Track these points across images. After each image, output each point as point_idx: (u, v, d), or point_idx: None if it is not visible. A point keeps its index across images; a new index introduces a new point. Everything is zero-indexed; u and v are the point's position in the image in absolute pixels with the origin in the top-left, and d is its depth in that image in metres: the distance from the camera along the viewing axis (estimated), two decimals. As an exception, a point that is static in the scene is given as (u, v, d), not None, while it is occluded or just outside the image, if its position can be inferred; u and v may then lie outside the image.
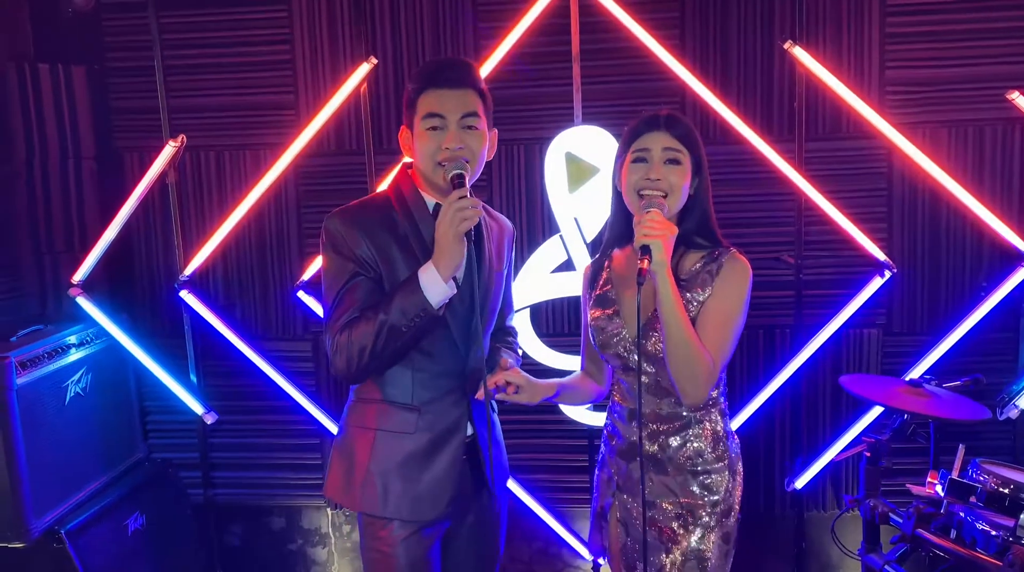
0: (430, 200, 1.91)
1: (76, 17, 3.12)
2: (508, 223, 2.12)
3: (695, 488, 1.88)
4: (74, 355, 2.94)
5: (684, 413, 1.89)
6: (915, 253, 2.99)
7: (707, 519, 1.87)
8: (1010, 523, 2.01)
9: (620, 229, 2.01)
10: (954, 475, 2.15)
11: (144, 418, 3.34)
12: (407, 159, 1.98)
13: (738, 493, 1.94)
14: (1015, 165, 2.91)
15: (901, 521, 2.18)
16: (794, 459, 3.07)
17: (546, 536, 3.26)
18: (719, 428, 1.91)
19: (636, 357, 1.87)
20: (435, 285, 1.77)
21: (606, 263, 2.04)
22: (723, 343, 1.82)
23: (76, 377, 2.93)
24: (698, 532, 1.87)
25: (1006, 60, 2.86)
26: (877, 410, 2.91)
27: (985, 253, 2.95)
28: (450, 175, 1.80)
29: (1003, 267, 2.90)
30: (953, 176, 2.84)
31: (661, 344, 1.81)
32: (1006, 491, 2.06)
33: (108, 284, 3.23)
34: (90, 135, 3.24)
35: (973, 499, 2.09)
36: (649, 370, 1.89)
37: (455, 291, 1.80)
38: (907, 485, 2.38)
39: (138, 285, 3.30)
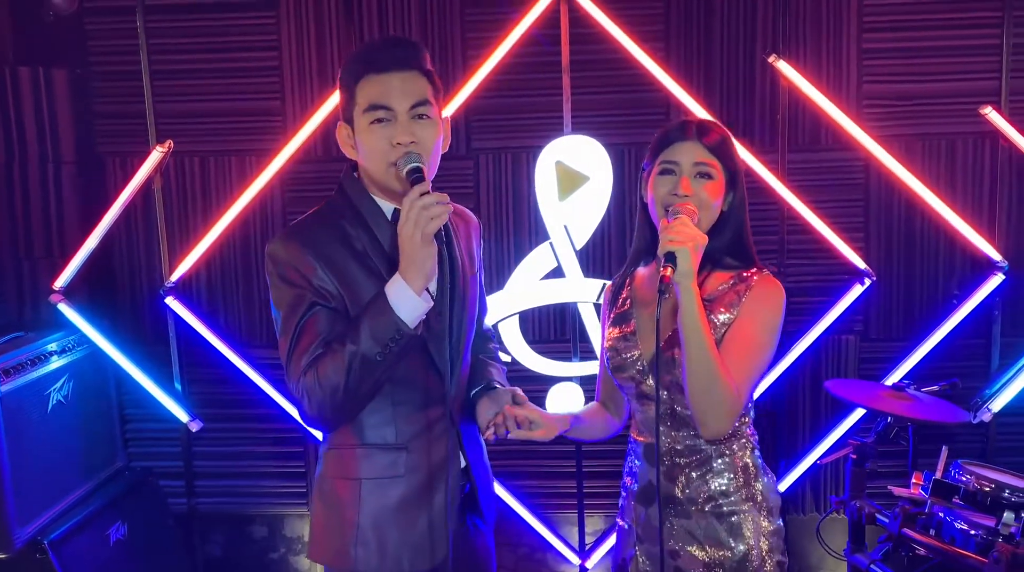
0: (386, 205, 1.66)
1: (58, 20, 3.08)
2: (473, 216, 1.88)
3: (721, 534, 1.68)
4: (56, 362, 2.90)
5: (704, 446, 1.70)
6: (891, 261, 3.08)
7: (737, 568, 1.67)
8: (990, 522, 2.09)
9: (645, 244, 1.83)
10: (938, 475, 2.23)
11: (124, 426, 3.29)
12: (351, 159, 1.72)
13: (775, 536, 1.73)
14: (985, 177, 3.02)
15: (888, 521, 2.24)
16: (776, 463, 3.14)
17: (530, 542, 3.28)
18: (746, 462, 1.72)
19: (653, 380, 1.69)
20: (407, 301, 1.51)
21: (628, 281, 1.86)
22: (748, 370, 1.63)
23: (58, 385, 2.89)
24: None
25: (977, 76, 2.97)
26: (856, 415, 2.99)
27: (958, 262, 3.05)
28: (405, 171, 1.54)
29: (975, 275, 3.01)
30: (927, 187, 2.93)
31: (680, 369, 1.63)
32: (988, 490, 2.13)
33: (88, 290, 3.18)
34: (71, 139, 3.20)
35: (956, 499, 2.16)
36: (665, 397, 1.70)
37: (431, 304, 1.55)
38: (889, 487, 2.45)
39: (119, 292, 3.25)
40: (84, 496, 2.96)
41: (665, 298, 1.52)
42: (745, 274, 1.73)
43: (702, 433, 1.66)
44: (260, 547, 3.40)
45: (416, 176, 1.53)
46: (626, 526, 1.83)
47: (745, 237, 1.77)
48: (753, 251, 1.78)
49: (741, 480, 1.70)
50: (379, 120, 1.58)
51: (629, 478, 1.83)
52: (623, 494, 1.85)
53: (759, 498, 1.72)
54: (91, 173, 3.22)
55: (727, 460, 1.71)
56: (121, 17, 3.08)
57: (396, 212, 1.63)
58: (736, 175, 1.73)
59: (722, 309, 1.69)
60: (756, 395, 2.93)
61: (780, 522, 1.76)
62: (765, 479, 1.75)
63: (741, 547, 1.68)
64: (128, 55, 3.10)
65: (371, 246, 1.63)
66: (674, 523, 1.72)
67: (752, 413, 1.78)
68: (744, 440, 1.74)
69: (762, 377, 1.70)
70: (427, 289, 1.53)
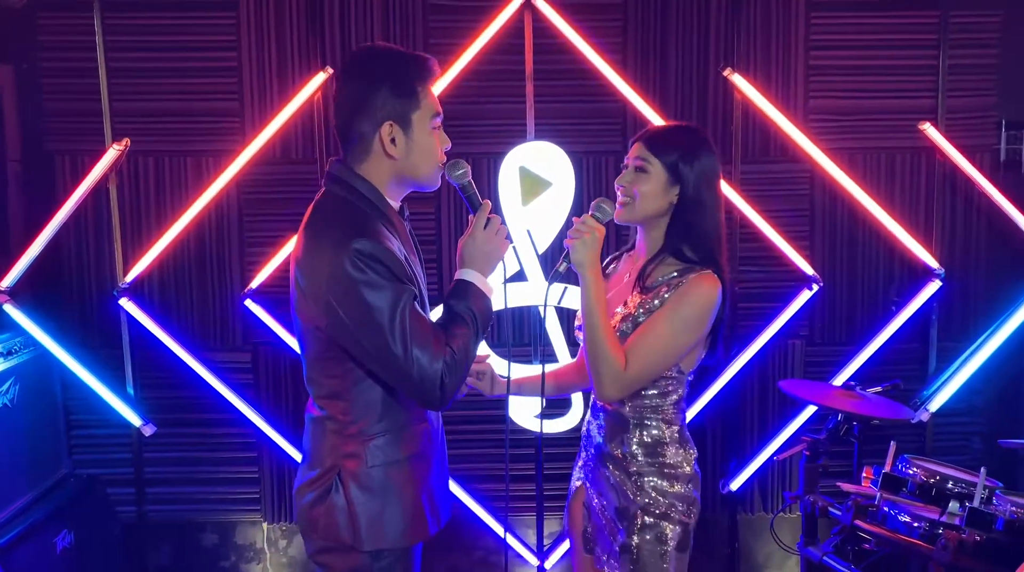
0: (393, 202, 1.80)
1: (5, 15, 3.00)
2: None
3: (629, 489, 1.94)
4: (1, 365, 2.80)
5: (625, 414, 1.95)
6: (835, 269, 3.22)
7: (639, 520, 1.92)
8: (934, 514, 2.20)
9: (632, 237, 2.09)
10: (887, 469, 2.34)
11: (70, 432, 3.19)
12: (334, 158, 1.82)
13: (684, 501, 1.95)
14: (922, 189, 3.19)
15: (840, 514, 2.34)
16: (727, 463, 3.24)
17: (486, 545, 3.31)
18: (659, 433, 1.94)
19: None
20: (487, 288, 1.76)
21: (613, 262, 2.15)
22: (646, 352, 1.84)
23: (4, 388, 2.80)
24: (630, 530, 1.92)
25: (916, 95, 3.15)
26: (804, 416, 3.11)
27: (897, 269, 3.21)
28: (466, 181, 1.79)
29: (914, 282, 3.17)
30: (870, 197, 3.08)
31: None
32: (933, 482, 2.25)
33: (35, 291, 3.09)
34: (17, 136, 3.12)
35: (904, 491, 2.27)
36: None
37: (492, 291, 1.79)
38: (838, 484, 2.56)
39: (68, 293, 3.17)
40: (29, 504, 2.86)
41: (552, 284, 1.90)
42: (689, 269, 1.90)
43: (596, 396, 1.97)
44: (211, 555, 3.34)
45: (471, 193, 1.80)
46: (580, 462, 2.14)
47: (699, 234, 1.91)
48: (713, 251, 1.92)
49: (652, 447, 1.95)
50: (437, 128, 1.77)
51: (587, 424, 2.12)
52: (584, 435, 2.15)
53: (670, 466, 1.95)
54: (39, 171, 3.14)
55: (644, 428, 1.95)
56: (77, 13, 3.02)
57: (401, 206, 1.83)
58: (679, 172, 1.89)
59: (653, 298, 1.90)
60: (709, 396, 3.04)
61: (692, 492, 1.98)
62: (682, 452, 1.98)
63: (641, 500, 1.93)
64: (82, 51, 3.04)
65: (400, 240, 1.74)
66: (602, 470, 2.01)
67: (677, 395, 1.97)
68: (663, 416, 1.96)
69: (668, 362, 1.88)
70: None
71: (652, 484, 1.93)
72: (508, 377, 2.06)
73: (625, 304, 1.96)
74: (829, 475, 2.99)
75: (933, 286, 3.08)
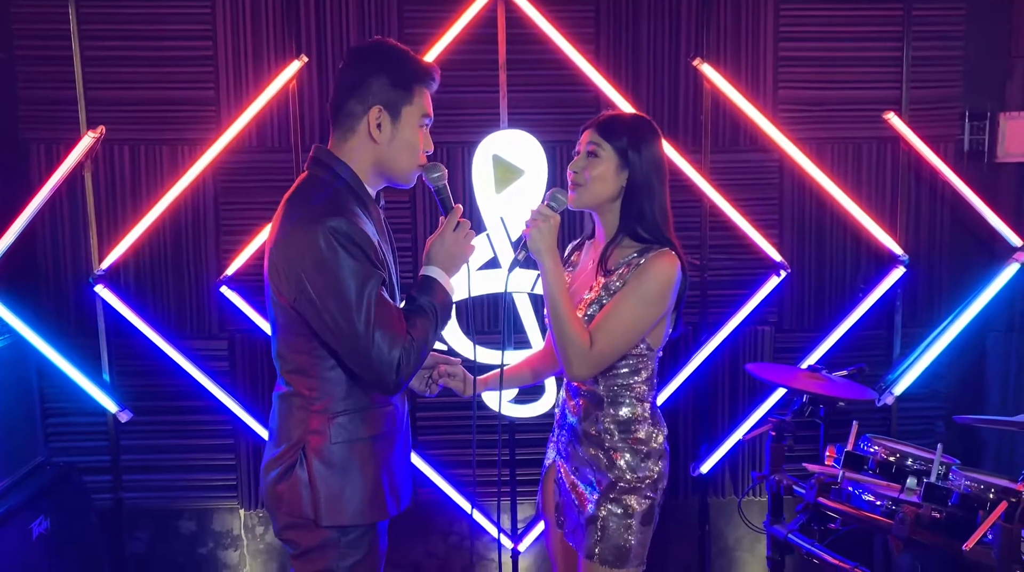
0: (370, 189, 1.88)
1: (-23, 3, 3.00)
2: None
3: (602, 464, 2.03)
4: (-25, 352, 2.81)
5: (599, 392, 2.04)
6: (803, 257, 3.29)
7: (608, 492, 2.01)
8: (894, 492, 2.27)
9: (590, 226, 2.19)
10: (849, 448, 2.40)
11: (46, 420, 3.20)
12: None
13: (653, 476, 2.04)
14: (887, 178, 3.26)
15: (804, 491, 2.40)
16: (697, 447, 3.30)
17: (460, 530, 3.35)
18: (632, 410, 2.04)
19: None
20: (450, 287, 1.87)
21: (576, 251, 2.25)
22: (610, 330, 1.94)
23: (-22, 375, 2.80)
24: (599, 502, 2.01)
25: (881, 86, 3.22)
26: (773, 399, 3.18)
27: (864, 257, 3.28)
28: (442, 183, 1.88)
29: (879, 269, 3.24)
30: (837, 186, 3.15)
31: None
32: (893, 460, 2.31)
33: (9, 279, 3.09)
34: (-9, 124, 3.12)
35: (866, 468, 2.33)
36: None
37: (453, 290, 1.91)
38: (804, 465, 2.62)
39: (42, 281, 3.17)
40: (4, 490, 2.86)
41: (513, 270, 1.98)
42: (648, 249, 2.00)
43: (567, 376, 2.04)
44: (188, 542, 3.35)
45: (445, 196, 1.90)
46: (552, 439, 2.23)
47: (651, 214, 2.01)
48: (665, 230, 2.03)
49: (625, 425, 2.03)
50: (423, 127, 1.86)
51: (558, 409, 2.21)
52: (557, 414, 2.23)
53: (641, 442, 2.04)
54: (13, 159, 3.13)
55: (617, 406, 2.04)
56: (51, 1, 3.02)
57: (378, 195, 1.91)
58: (628, 155, 1.99)
59: (615, 279, 1.99)
60: (677, 382, 3.09)
61: (662, 468, 2.07)
62: (653, 429, 2.07)
63: (613, 475, 2.02)
64: (57, 40, 3.04)
65: (378, 228, 1.83)
66: (575, 447, 2.09)
67: (648, 372, 2.06)
68: (635, 393, 2.04)
69: (632, 338, 1.97)
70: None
71: (624, 459, 2.02)
72: (502, 366, 2.14)
73: (591, 289, 2.05)
74: (797, 458, 3.06)
75: (897, 273, 3.15)
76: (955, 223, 3.30)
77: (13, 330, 2.98)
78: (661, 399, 3.17)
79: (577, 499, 2.08)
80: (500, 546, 3.20)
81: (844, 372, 2.70)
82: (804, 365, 3.09)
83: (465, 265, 1.92)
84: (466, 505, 3.20)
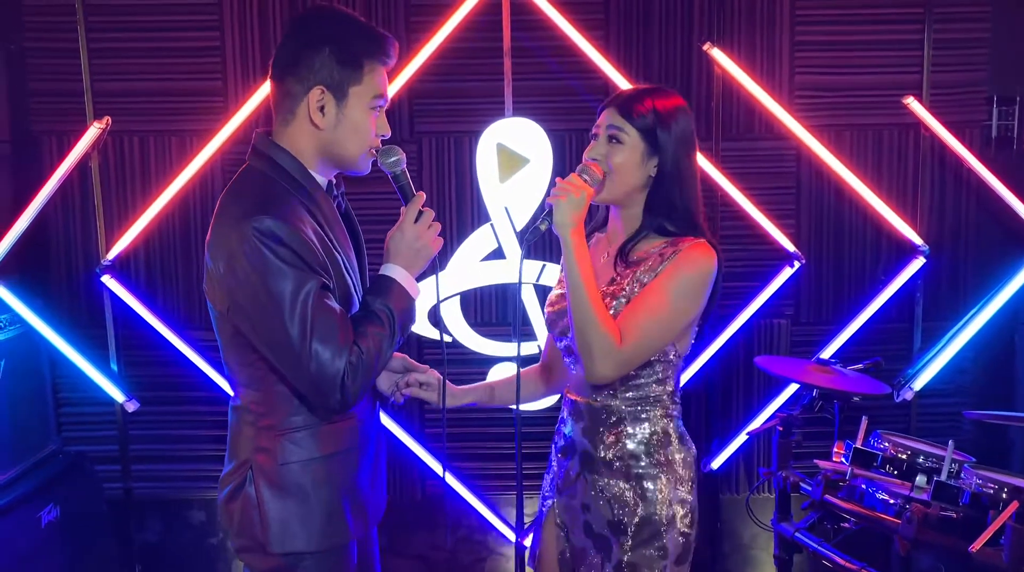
0: (320, 178, 1.66)
1: (-9, -5, 3.04)
2: None
3: (628, 495, 1.73)
4: (-14, 341, 2.84)
5: (618, 408, 1.75)
6: (821, 248, 3.19)
7: (638, 532, 1.71)
8: (903, 490, 2.18)
9: (599, 214, 1.92)
10: (858, 444, 2.31)
11: (58, 409, 3.23)
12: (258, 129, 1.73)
13: (686, 506, 1.75)
14: (909, 165, 3.15)
15: (811, 489, 2.32)
16: (709, 442, 3.22)
17: (469, 524, 3.31)
18: (660, 428, 1.75)
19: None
20: (412, 287, 1.66)
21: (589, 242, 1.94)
22: (641, 326, 1.66)
23: (-11, 364, 2.83)
24: (627, 545, 1.71)
25: (902, 70, 3.10)
26: (786, 395, 3.09)
27: (884, 246, 3.17)
28: (399, 170, 1.67)
29: (900, 259, 3.13)
30: (856, 175, 3.04)
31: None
32: (904, 457, 2.22)
33: (22, 269, 3.12)
34: (6, 117, 3.15)
35: (875, 465, 2.25)
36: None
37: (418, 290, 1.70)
38: (816, 461, 2.54)
39: (54, 271, 3.20)
40: (14, 478, 2.89)
41: (532, 238, 1.72)
42: (679, 241, 1.73)
43: (587, 377, 1.71)
44: (198, 532, 3.37)
45: (404, 183, 1.68)
46: (549, 478, 1.93)
47: (682, 204, 1.74)
48: (698, 219, 1.76)
49: (655, 445, 1.74)
50: (377, 108, 1.63)
51: (557, 433, 1.91)
52: (552, 448, 1.92)
53: (673, 466, 1.75)
54: (27, 152, 3.16)
55: (643, 424, 1.75)
56: (59, -8, 3.05)
57: (329, 185, 1.69)
58: (657, 141, 1.72)
59: (644, 270, 1.73)
60: (687, 376, 3.02)
61: (693, 496, 1.78)
62: (683, 449, 1.78)
63: (646, 510, 1.71)
64: (66, 32, 3.06)
65: (324, 220, 1.62)
66: (588, 479, 1.77)
67: (673, 384, 1.80)
68: (662, 407, 1.77)
69: (664, 338, 1.71)
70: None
71: (655, 488, 1.72)
72: (518, 371, 1.86)
73: (612, 281, 1.78)
74: (809, 454, 2.97)
75: (917, 263, 3.04)
76: (981, 212, 3.18)
77: (25, 320, 3.00)
78: (671, 393, 3.09)
79: (597, 542, 1.76)
80: (521, 546, 3.16)
81: (859, 366, 2.61)
82: (817, 358, 3.01)
83: (434, 262, 1.69)
84: (472, 499, 3.16)
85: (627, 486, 1.73)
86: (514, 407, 1.81)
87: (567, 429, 1.85)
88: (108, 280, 3.04)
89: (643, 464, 1.73)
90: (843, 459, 2.36)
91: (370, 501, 1.74)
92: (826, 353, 3.06)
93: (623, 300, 1.72)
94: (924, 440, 2.37)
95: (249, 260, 1.49)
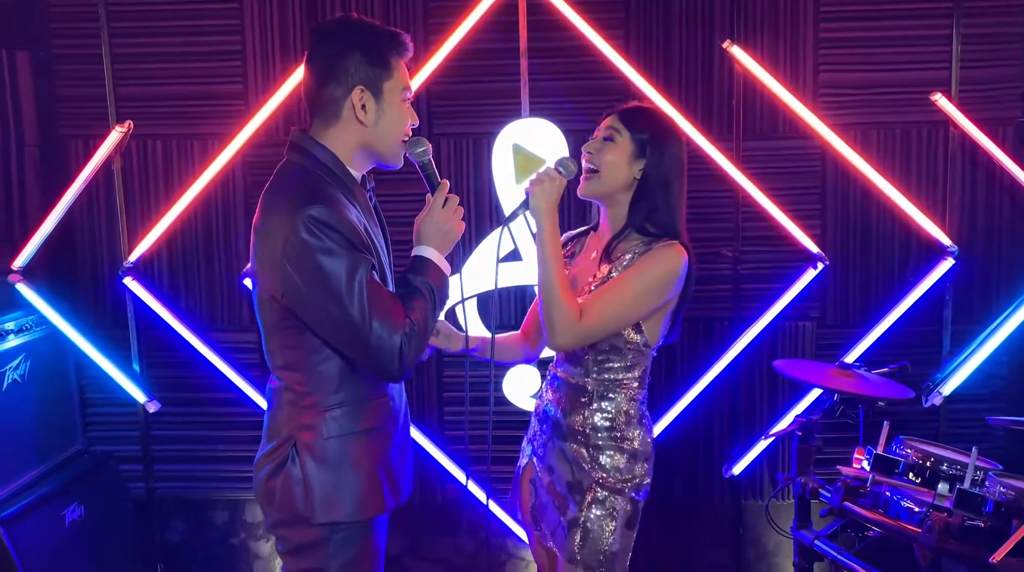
0: (356, 174, 1.80)
1: (21, 2, 3.09)
2: None
3: (585, 463, 1.94)
4: (12, 341, 2.89)
5: (589, 386, 1.95)
6: (847, 249, 3.12)
7: (593, 493, 1.92)
8: (926, 498, 2.11)
9: (594, 217, 2.12)
10: (879, 450, 2.25)
11: (84, 410, 3.28)
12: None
13: (637, 478, 1.95)
14: (939, 164, 3.06)
15: (830, 495, 2.26)
16: (732, 447, 3.16)
17: (489, 528, 3.29)
18: (624, 408, 1.95)
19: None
20: (444, 266, 1.81)
21: (581, 237, 2.15)
22: (604, 305, 1.86)
23: (14, 364, 2.88)
24: (581, 504, 1.92)
25: (930, 66, 3.02)
26: (809, 399, 3.02)
27: (912, 247, 3.09)
28: (427, 158, 1.82)
29: (928, 260, 3.05)
30: (882, 175, 2.97)
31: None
32: (927, 464, 2.15)
33: (48, 272, 3.17)
34: (33, 122, 3.20)
35: (897, 472, 2.18)
36: None
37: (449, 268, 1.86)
38: (838, 467, 2.47)
39: (80, 273, 3.25)
40: (39, 477, 2.94)
41: (506, 226, 1.94)
42: (657, 240, 1.92)
43: (549, 345, 1.91)
44: (220, 532, 3.39)
45: (431, 171, 1.83)
46: (527, 438, 2.14)
47: (664, 210, 1.93)
48: (677, 226, 1.95)
49: (614, 422, 1.94)
50: (406, 100, 1.79)
51: (539, 399, 2.13)
52: (533, 412, 2.16)
53: (631, 443, 1.95)
54: (54, 156, 3.22)
55: (609, 403, 1.94)
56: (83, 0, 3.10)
57: (363, 179, 1.83)
58: (646, 145, 1.92)
59: (619, 266, 1.93)
60: (707, 379, 2.96)
61: (646, 470, 1.97)
62: (641, 430, 1.98)
63: (597, 474, 1.92)
64: (90, 38, 3.11)
65: (361, 210, 1.75)
66: (556, 444, 1.99)
67: (641, 370, 1.97)
68: (628, 391, 1.96)
69: (622, 320, 1.88)
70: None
71: (609, 458, 1.93)
72: (492, 335, 2.08)
73: (594, 276, 1.98)
74: (831, 460, 2.90)
75: (946, 265, 2.96)
76: (1013, 211, 3.08)
77: (50, 321, 3.06)
78: (692, 396, 3.05)
79: (557, 500, 1.99)
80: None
81: (885, 369, 2.54)
82: (839, 362, 2.94)
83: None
84: (492, 505, 3.13)
85: (587, 454, 1.94)
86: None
87: (546, 397, 2.06)
88: (130, 282, 3.08)
89: (602, 437, 1.94)
90: (864, 465, 2.30)
91: (403, 476, 1.88)
92: (851, 356, 2.99)
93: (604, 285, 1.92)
94: (949, 446, 2.30)
95: (305, 247, 1.61)
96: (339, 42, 1.73)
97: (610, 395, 1.95)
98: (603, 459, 1.93)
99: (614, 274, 1.92)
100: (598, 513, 1.92)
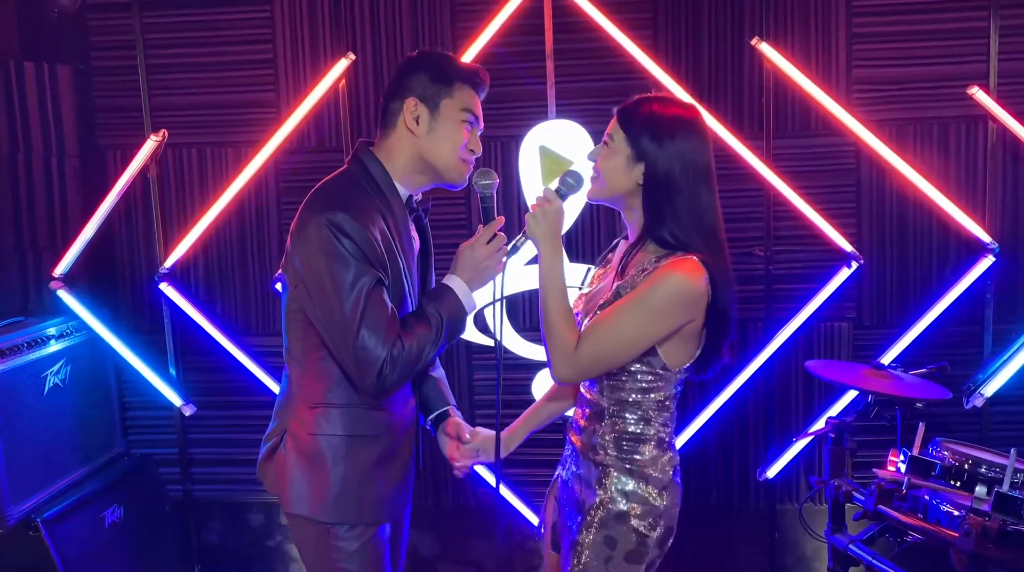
0: (403, 190, 1.83)
1: (62, 17, 3.18)
2: None
3: (592, 480, 1.80)
4: (53, 346, 2.97)
5: (603, 404, 1.81)
6: (883, 247, 3.05)
7: (590, 516, 1.77)
8: (964, 501, 2.05)
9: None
10: (914, 452, 2.19)
11: (124, 413, 3.36)
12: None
13: (649, 505, 1.77)
14: (978, 160, 2.98)
15: (864, 499, 2.21)
16: (766, 450, 3.11)
17: (521, 530, 3.28)
18: (637, 430, 1.79)
19: None
20: (469, 303, 1.82)
21: (611, 253, 1.99)
22: (599, 337, 1.70)
23: (55, 368, 2.96)
24: (582, 525, 1.79)
25: (967, 59, 2.94)
26: (845, 401, 2.96)
27: (951, 245, 3.01)
28: (484, 194, 1.83)
29: (968, 258, 2.97)
30: (919, 171, 2.90)
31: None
32: (965, 467, 2.09)
33: (89, 278, 3.26)
34: (73, 133, 3.29)
35: (934, 474, 2.13)
36: None
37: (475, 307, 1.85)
38: (874, 470, 2.42)
39: (119, 280, 3.33)
40: (80, 479, 3.02)
41: (510, 258, 1.85)
42: (668, 256, 1.72)
43: (550, 375, 1.79)
44: (257, 534, 3.44)
45: (490, 205, 1.84)
46: (563, 454, 2.02)
47: (673, 218, 1.72)
48: (695, 236, 1.72)
49: (624, 444, 1.79)
50: (469, 122, 1.83)
51: (571, 418, 2.01)
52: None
53: (638, 466, 1.78)
54: (93, 166, 3.30)
55: (619, 421, 1.80)
56: (120, 13, 3.18)
57: (410, 198, 1.86)
58: (644, 150, 1.72)
59: (629, 283, 1.75)
60: (741, 380, 2.93)
61: (661, 502, 1.78)
62: (657, 454, 1.80)
63: (600, 498, 1.78)
64: (127, 50, 3.19)
65: (394, 227, 1.78)
66: (573, 460, 1.90)
67: (663, 394, 1.79)
68: (643, 412, 1.79)
69: (621, 351, 1.71)
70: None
71: (616, 480, 1.77)
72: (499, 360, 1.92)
73: (610, 292, 1.82)
74: (868, 464, 2.84)
75: (986, 262, 2.88)
76: (1059, 208, 2.99)
77: (90, 327, 3.13)
78: (722, 399, 3.01)
79: (568, 519, 1.87)
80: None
81: (923, 370, 2.48)
82: (874, 363, 2.88)
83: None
84: (520, 506, 3.13)
85: (594, 473, 1.81)
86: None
87: (576, 414, 1.94)
88: (165, 287, 3.14)
89: (611, 457, 1.79)
90: (900, 467, 2.24)
91: (391, 496, 1.87)
92: (887, 357, 2.92)
93: (608, 307, 1.76)
94: (988, 449, 2.23)
95: (320, 246, 1.68)
96: (411, 65, 1.83)
97: (625, 415, 1.79)
98: (608, 481, 1.77)
99: (623, 293, 1.74)
100: (595, 539, 1.75)
